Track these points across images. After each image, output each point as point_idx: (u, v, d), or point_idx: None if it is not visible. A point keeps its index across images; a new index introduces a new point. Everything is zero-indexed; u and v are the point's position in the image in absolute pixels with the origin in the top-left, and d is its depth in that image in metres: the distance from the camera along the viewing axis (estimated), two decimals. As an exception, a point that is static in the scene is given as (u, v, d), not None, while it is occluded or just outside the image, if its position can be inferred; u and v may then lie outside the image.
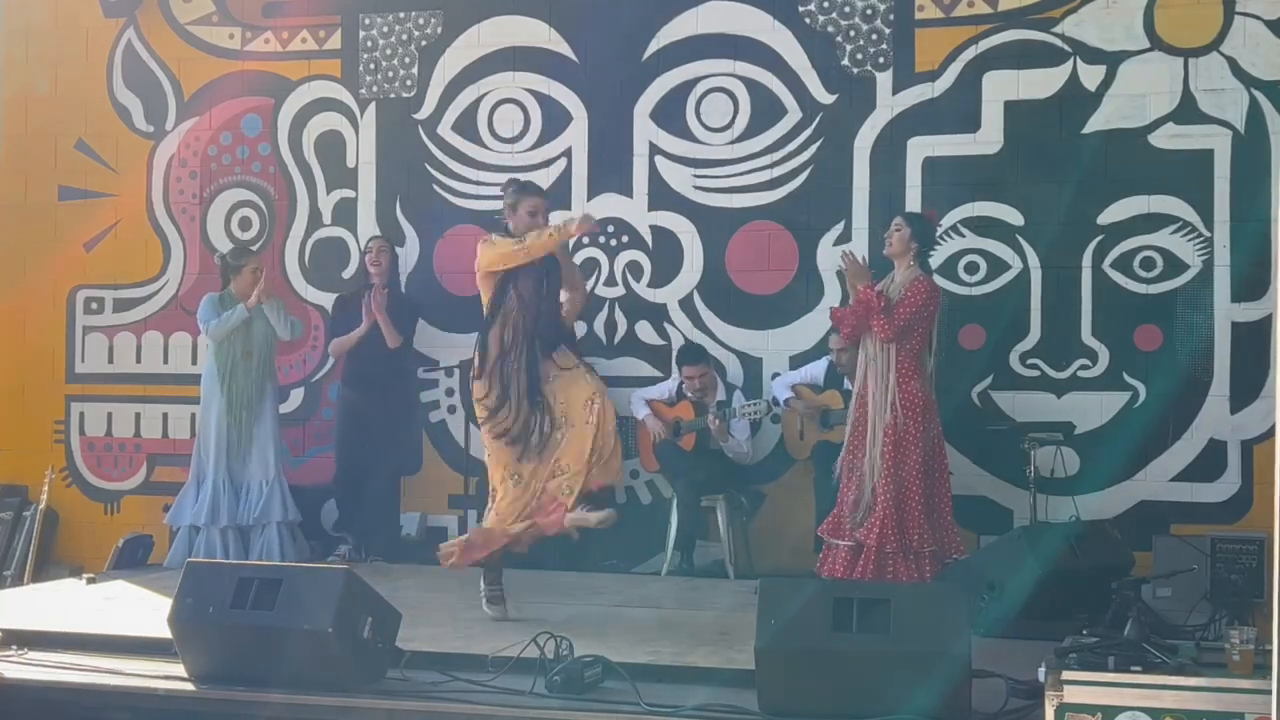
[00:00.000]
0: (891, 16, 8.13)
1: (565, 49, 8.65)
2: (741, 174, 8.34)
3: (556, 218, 8.48)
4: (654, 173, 8.47)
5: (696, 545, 7.92)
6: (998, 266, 7.91)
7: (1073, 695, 4.34)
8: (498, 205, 8.63)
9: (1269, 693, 3.89)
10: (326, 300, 8.81)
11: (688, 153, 8.43)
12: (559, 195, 8.60)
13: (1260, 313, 7.47)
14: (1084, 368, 7.76)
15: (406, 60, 8.90)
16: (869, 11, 8.15)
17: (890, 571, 6.56)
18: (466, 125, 8.80)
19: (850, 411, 6.95)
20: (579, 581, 7.50)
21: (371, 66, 8.95)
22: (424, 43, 8.88)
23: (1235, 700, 4.23)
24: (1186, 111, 7.67)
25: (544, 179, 8.60)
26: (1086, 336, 7.77)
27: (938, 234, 7.62)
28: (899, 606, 4.69)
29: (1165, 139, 7.70)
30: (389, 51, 8.92)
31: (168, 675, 5.25)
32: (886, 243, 6.97)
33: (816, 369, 7.93)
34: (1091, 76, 7.81)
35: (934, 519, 6.71)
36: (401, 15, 8.91)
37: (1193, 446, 7.60)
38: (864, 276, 6.88)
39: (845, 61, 8.19)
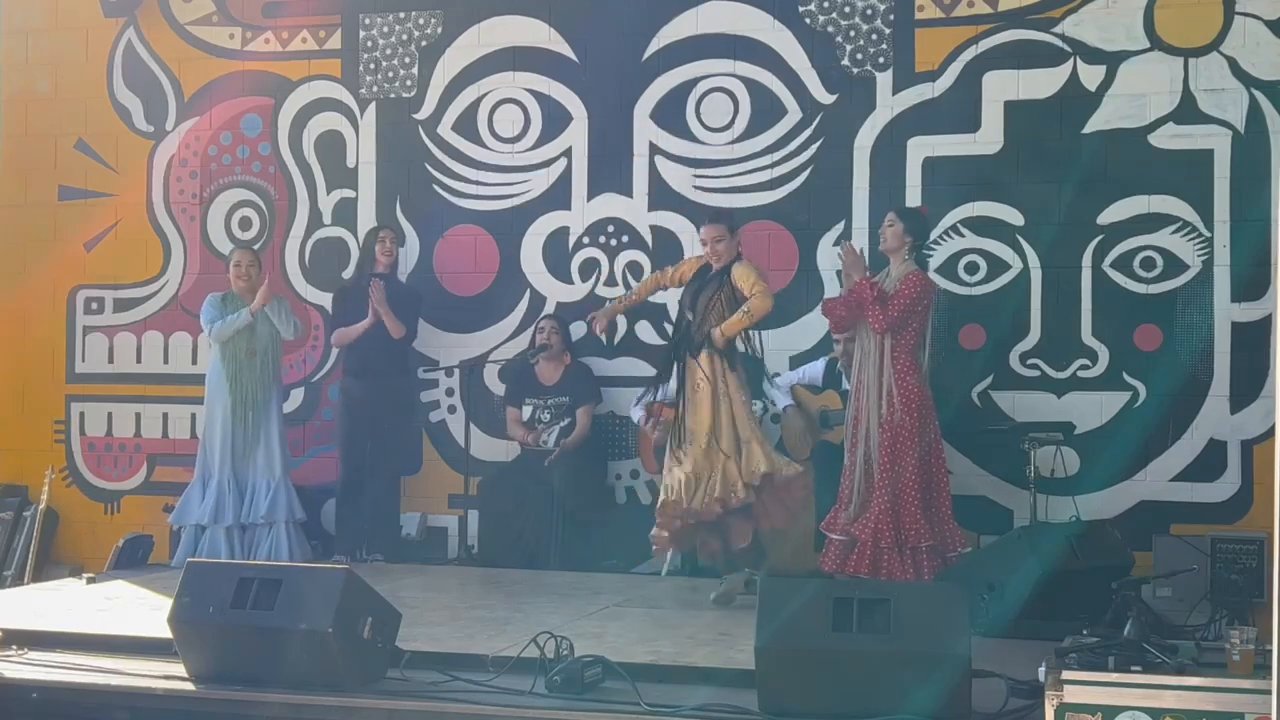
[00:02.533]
0: (891, 16, 8.13)
1: (565, 49, 8.65)
2: (741, 174, 8.35)
3: (557, 219, 8.60)
4: (654, 173, 8.47)
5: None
6: (998, 266, 7.92)
7: (1073, 695, 4.33)
8: (498, 205, 8.73)
9: (1269, 693, 3.89)
10: (326, 300, 8.80)
11: (688, 153, 8.44)
12: (559, 195, 8.62)
13: (1260, 313, 7.48)
14: (1084, 368, 7.76)
15: (406, 60, 8.90)
16: (869, 11, 8.15)
17: (885, 567, 6.56)
18: (466, 125, 8.80)
19: (849, 408, 6.96)
20: (579, 581, 7.50)
21: (371, 66, 8.95)
22: (424, 43, 8.89)
23: (1235, 700, 4.23)
24: (1186, 111, 7.67)
25: (544, 179, 8.64)
26: (1086, 336, 7.78)
27: (930, 230, 7.61)
28: (899, 606, 4.68)
29: (1165, 139, 7.70)
30: (389, 51, 8.93)
31: (168, 675, 5.24)
32: (881, 238, 7.01)
33: (815, 369, 7.93)
34: (1091, 76, 7.81)
35: (932, 515, 6.72)
36: (401, 15, 8.91)
37: (1193, 446, 7.60)
38: (860, 268, 6.89)
39: (845, 61, 8.19)
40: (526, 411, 8.32)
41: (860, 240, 7.91)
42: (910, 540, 6.61)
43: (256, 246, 8.89)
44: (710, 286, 7.26)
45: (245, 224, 9.13)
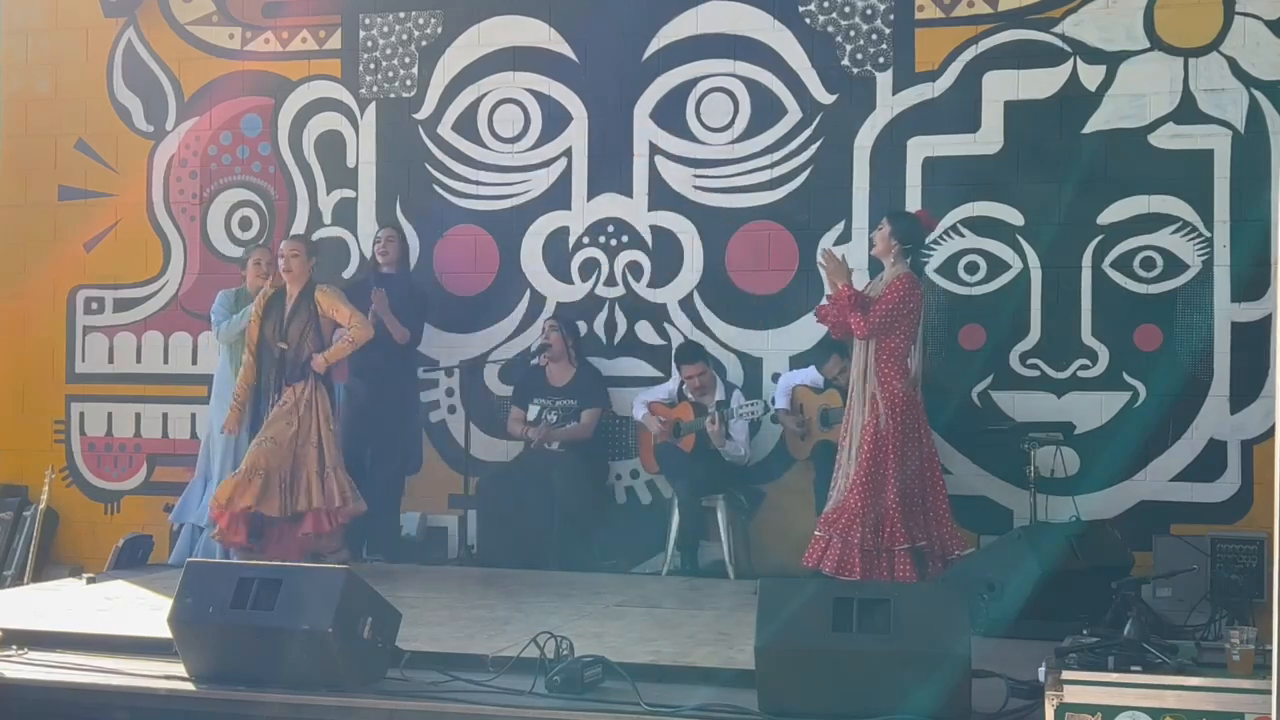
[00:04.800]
0: (891, 16, 8.13)
1: (565, 49, 8.65)
2: (741, 174, 8.35)
3: (557, 219, 8.60)
4: (654, 173, 8.47)
5: (699, 546, 7.94)
6: (998, 266, 7.92)
7: (1073, 695, 4.33)
8: (498, 205, 8.73)
9: (1269, 693, 3.89)
10: (326, 300, 8.80)
11: (688, 153, 8.44)
12: (559, 195, 8.62)
13: (1260, 313, 7.48)
14: (1084, 368, 7.76)
15: (406, 60, 8.90)
16: (869, 11, 8.15)
17: (872, 570, 6.54)
18: (466, 125, 8.80)
19: (845, 410, 6.96)
20: (579, 581, 7.50)
21: (371, 66, 8.95)
22: (424, 43, 8.89)
23: (1235, 700, 4.23)
24: (1186, 111, 7.67)
25: (544, 179, 8.64)
26: (1086, 336, 7.78)
27: (932, 235, 7.62)
28: (899, 606, 4.68)
29: (1165, 139, 7.70)
30: (389, 51, 8.93)
31: (168, 675, 5.24)
32: (871, 243, 7.01)
33: (815, 373, 7.92)
34: (1091, 76, 7.81)
35: (930, 518, 6.71)
36: (401, 15, 8.91)
37: (1193, 446, 7.60)
38: (843, 274, 6.88)
39: (845, 61, 8.19)
40: (533, 411, 8.29)
41: (860, 241, 7.93)
42: (885, 543, 6.59)
43: (258, 245, 8.85)
44: (301, 314, 7.72)
45: (245, 224, 9.12)
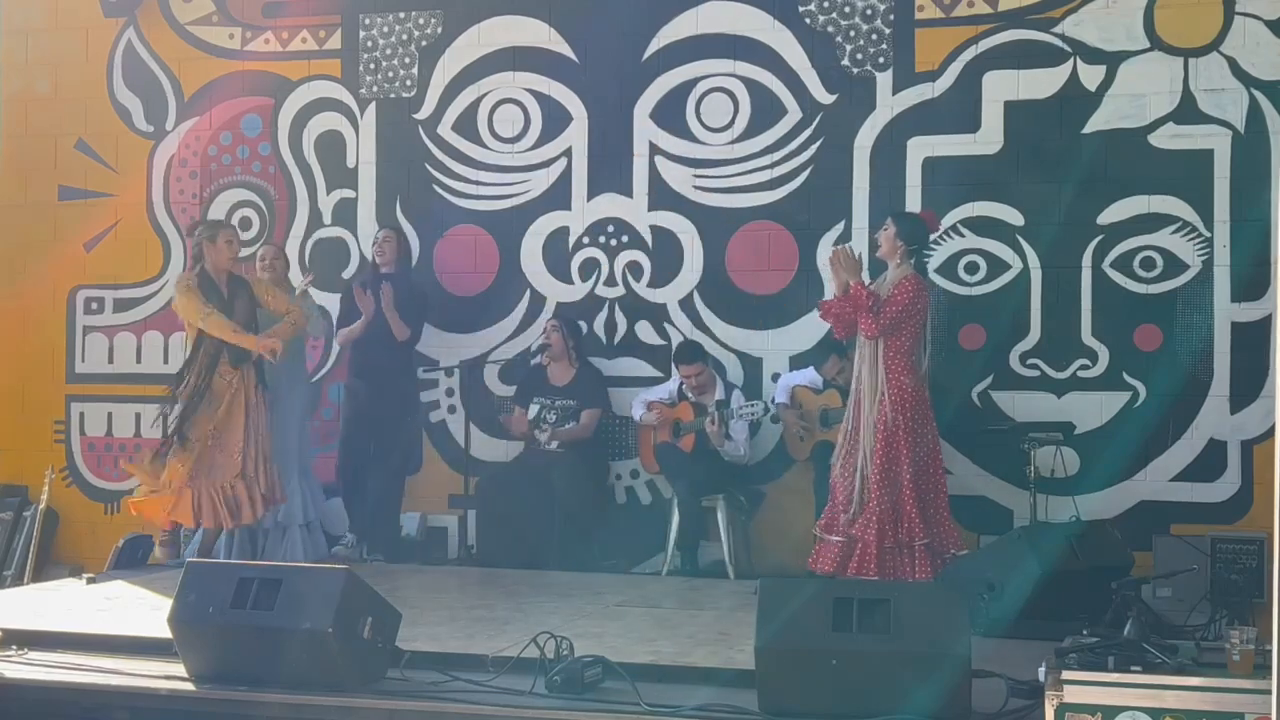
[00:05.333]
0: (891, 16, 8.13)
1: (565, 49, 8.65)
2: (741, 174, 8.35)
3: (557, 219, 8.60)
4: (654, 173, 8.47)
5: (699, 546, 7.94)
6: (998, 266, 7.92)
7: (1073, 695, 4.33)
8: (498, 205, 8.73)
9: (1269, 693, 3.88)
10: (324, 299, 8.78)
11: (688, 153, 8.44)
12: (559, 195, 8.62)
13: (1260, 313, 7.48)
14: (1084, 368, 7.76)
15: (406, 60, 8.90)
16: (869, 11, 8.15)
17: (891, 567, 6.56)
18: (466, 125, 8.81)
19: (848, 410, 6.96)
20: (579, 581, 7.50)
21: (371, 66, 8.95)
22: (424, 43, 8.89)
23: (1235, 700, 4.22)
24: (1186, 111, 7.67)
25: (544, 179, 8.64)
26: (1086, 336, 7.78)
27: (937, 235, 7.64)
28: (899, 606, 4.68)
29: (1165, 139, 7.70)
30: (389, 51, 8.93)
31: (168, 675, 5.24)
32: (875, 243, 7.02)
33: (814, 373, 7.92)
34: (1091, 76, 7.81)
35: (930, 515, 6.72)
36: (401, 15, 8.91)
37: (1193, 446, 7.60)
38: (856, 272, 6.89)
39: (845, 61, 8.19)
40: (533, 410, 8.30)
41: (860, 241, 7.92)
42: (905, 539, 6.61)
43: (257, 247, 8.85)
44: (243, 298, 7.76)
45: (245, 224, 9.12)
